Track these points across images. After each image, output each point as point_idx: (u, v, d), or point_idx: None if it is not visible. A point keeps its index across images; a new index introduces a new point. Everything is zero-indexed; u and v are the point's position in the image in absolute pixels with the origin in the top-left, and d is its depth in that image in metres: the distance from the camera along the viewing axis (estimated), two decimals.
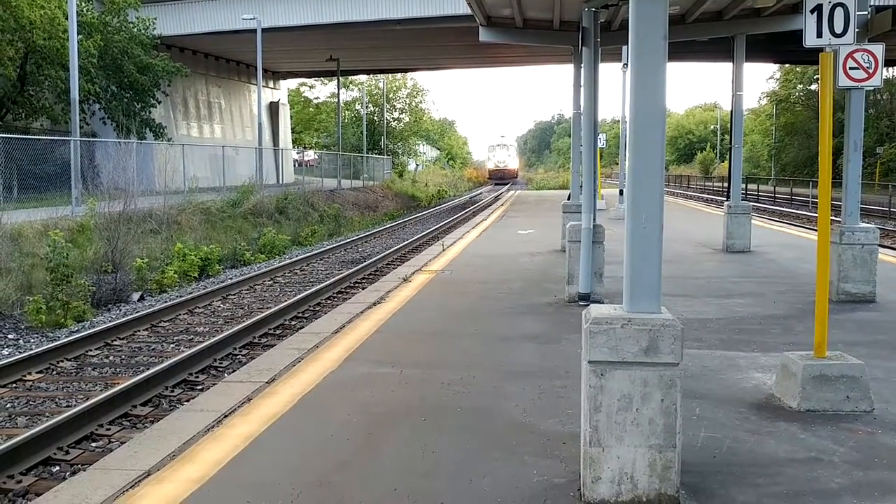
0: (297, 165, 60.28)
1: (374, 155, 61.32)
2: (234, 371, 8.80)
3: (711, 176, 77.09)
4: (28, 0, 25.73)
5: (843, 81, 7.36)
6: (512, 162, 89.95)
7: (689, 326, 8.16)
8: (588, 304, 5.95)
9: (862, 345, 7.59)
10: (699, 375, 6.66)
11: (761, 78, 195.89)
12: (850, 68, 7.30)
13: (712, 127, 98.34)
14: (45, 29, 26.43)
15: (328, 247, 23.78)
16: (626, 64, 20.56)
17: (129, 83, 32.02)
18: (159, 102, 34.84)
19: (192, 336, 11.84)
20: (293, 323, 12.50)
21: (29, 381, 9.45)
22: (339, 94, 52.89)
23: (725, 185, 32.10)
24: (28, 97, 29.44)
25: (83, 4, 30.18)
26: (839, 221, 10.06)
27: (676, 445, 4.14)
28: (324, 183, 40.56)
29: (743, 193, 17.61)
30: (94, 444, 7.32)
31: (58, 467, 6.78)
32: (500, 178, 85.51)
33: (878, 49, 7.39)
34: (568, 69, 16.27)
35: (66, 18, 23.93)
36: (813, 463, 4.79)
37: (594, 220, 10.13)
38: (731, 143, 16.27)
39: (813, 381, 5.71)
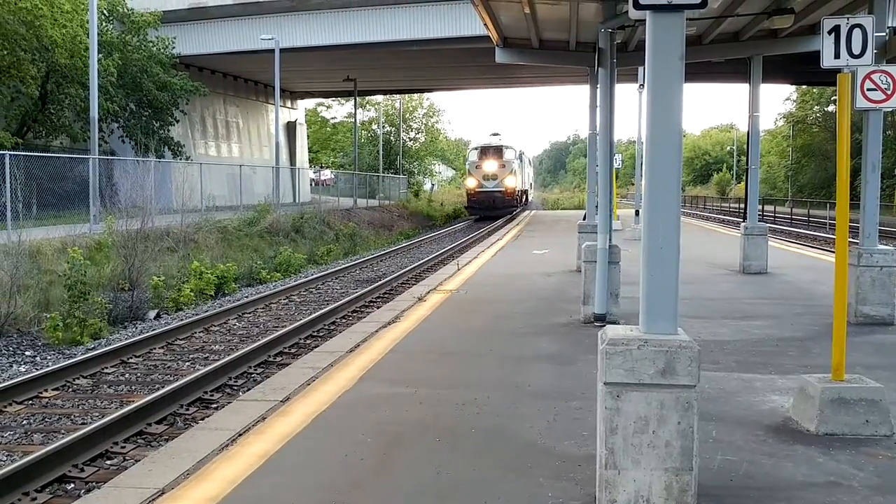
0: (313, 184, 60.62)
1: (389, 174, 61.58)
2: (249, 390, 8.81)
3: (728, 197, 76.99)
4: (51, 20, 26.08)
5: (861, 103, 7.33)
6: (510, 178, 47.99)
7: (705, 348, 8.10)
8: (604, 325, 5.93)
9: (881, 368, 7.51)
10: (716, 398, 6.60)
11: (778, 99, 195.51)
12: (868, 90, 7.28)
13: (729, 148, 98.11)
14: (66, 48, 26.76)
15: (344, 265, 23.80)
16: (643, 84, 20.60)
17: (148, 101, 32.37)
18: (178, 121, 35.16)
19: (207, 354, 11.86)
20: (308, 342, 12.50)
21: (45, 398, 9.48)
22: (355, 113, 53.15)
23: (742, 206, 32.01)
24: (48, 116, 29.79)
25: (104, 24, 30.55)
26: (857, 243, 10.00)
27: (693, 468, 4.11)
28: (340, 202, 40.80)
29: (759, 215, 17.53)
30: (108, 462, 7.32)
31: (72, 485, 6.79)
32: (488, 206, 47.01)
33: None
34: (584, 89, 16.39)
35: (88, 37, 24.22)
36: (832, 487, 4.74)
37: (610, 240, 10.11)
38: (747, 165, 16.21)
39: (831, 404, 5.65)
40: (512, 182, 47.69)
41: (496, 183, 46.75)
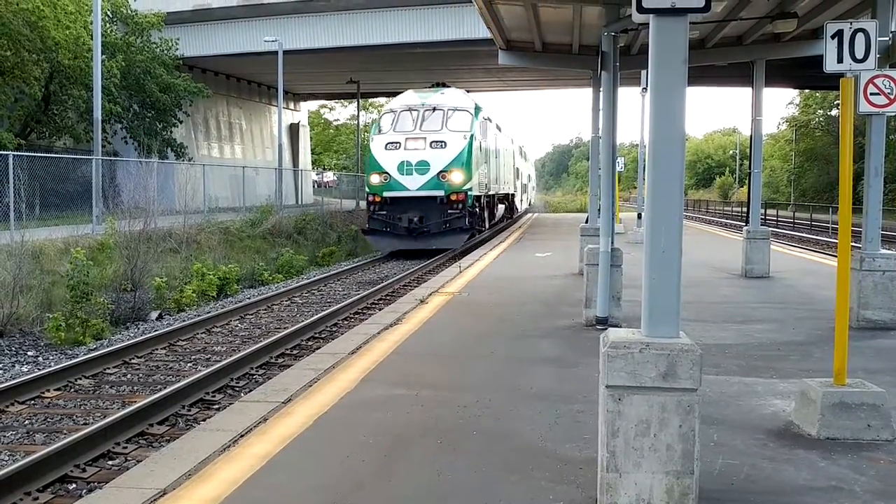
0: (316, 186, 60.61)
1: None
2: (250, 391, 8.82)
3: (730, 201, 76.86)
4: (54, 21, 26.13)
5: (864, 107, 7.33)
6: (457, 172, 24.23)
7: (707, 352, 8.09)
8: (606, 328, 5.92)
9: (883, 372, 7.50)
10: (717, 401, 6.60)
11: (781, 103, 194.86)
12: (871, 94, 7.28)
13: (731, 152, 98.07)
14: (70, 49, 26.82)
15: (346, 267, 23.82)
16: (645, 88, 20.52)
17: (151, 103, 32.42)
18: (181, 122, 35.21)
19: (209, 355, 11.87)
20: (310, 343, 12.50)
21: (47, 398, 9.49)
22: (358, 115, 53.18)
23: (744, 209, 31.94)
24: (52, 116, 29.85)
25: (107, 25, 30.61)
26: (859, 248, 10.00)
27: (694, 472, 4.11)
28: (342, 204, 40.76)
29: (762, 218, 17.52)
30: (110, 462, 7.33)
31: (74, 485, 6.79)
32: (409, 228, 24.26)
33: None
34: (586, 93, 16.24)
35: (91, 38, 24.29)
36: (833, 492, 4.73)
37: (612, 243, 10.11)
38: (750, 168, 16.21)
39: (832, 408, 5.65)
40: (460, 177, 24.14)
41: (427, 180, 24.08)
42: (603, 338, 4.32)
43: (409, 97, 27.14)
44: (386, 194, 24.38)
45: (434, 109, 25.54)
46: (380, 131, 26.02)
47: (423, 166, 24.10)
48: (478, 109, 26.99)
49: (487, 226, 30.23)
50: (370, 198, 25.03)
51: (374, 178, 24.70)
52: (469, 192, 24.56)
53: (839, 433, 5.62)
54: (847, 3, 11.37)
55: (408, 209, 24.21)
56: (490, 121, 30.19)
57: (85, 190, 22.14)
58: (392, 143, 24.82)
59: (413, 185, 24.10)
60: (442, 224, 24.19)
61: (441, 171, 24.06)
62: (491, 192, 29.95)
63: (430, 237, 24.25)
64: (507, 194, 37.92)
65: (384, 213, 24.54)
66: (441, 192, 24.09)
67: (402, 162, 24.17)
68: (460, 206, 24.19)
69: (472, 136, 25.10)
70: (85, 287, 13.80)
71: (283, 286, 19.86)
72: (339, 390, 7.00)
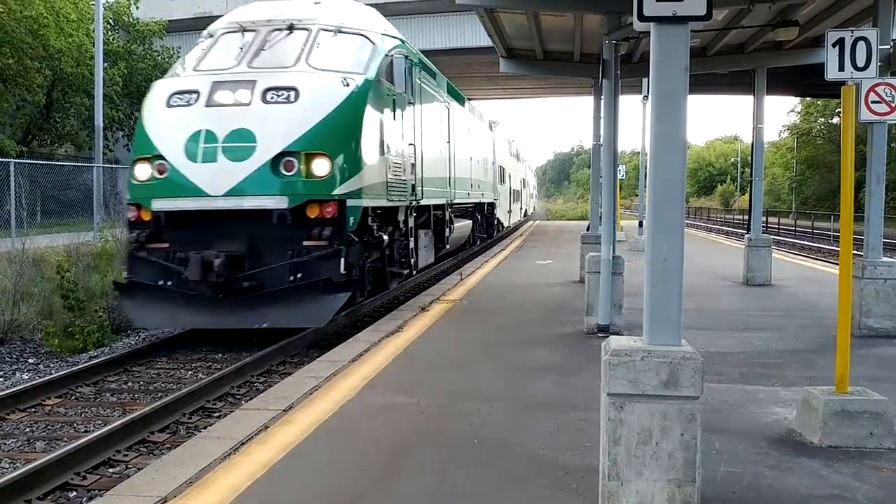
0: None
1: None
2: (251, 398, 8.80)
3: (732, 208, 76.94)
4: (56, 29, 26.21)
5: (866, 115, 7.36)
6: (323, 157, 10.31)
7: (708, 360, 8.08)
8: (607, 336, 5.91)
9: (885, 380, 7.48)
10: (719, 409, 6.59)
11: (782, 111, 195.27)
12: (873, 102, 7.31)
13: (733, 160, 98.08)
14: (72, 56, 26.90)
15: None
16: (647, 96, 20.52)
17: None
18: None
19: (210, 363, 11.85)
20: (311, 351, 12.47)
21: (48, 406, 9.47)
22: None
23: (746, 217, 31.89)
24: (54, 124, 29.95)
25: (109, 33, 30.70)
26: (861, 255, 9.99)
27: (696, 480, 4.10)
28: None
29: (763, 226, 17.50)
30: (111, 470, 7.30)
31: (74, 493, 6.77)
32: (206, 280, 10.33)
33: None
34: (587, 100, 16.29)
35: (93, 46, 24.38)
36: (835, 500, 4.72)
37: (614, 251, 10.11)
38: (751, 176, 16.23)
39: (834, 416, 5.63)
40: (327, 167, 10.53)
41: (249, 172, 10.36)
42: (604, 345, 4.31)
43: (253, 9, 13.56)
44: (158, 205, 11.13)
45: (291, 29, 12.14)
46: (172, 73, 13.27)
47: (240, 141, 10.60)
48: (398, 44, 13.60)
49: (432, 259, 17.53)
50: (131, 215, 11.62)
51: (140, 171, 11.32)
52: (351, 201, 11.09)
53: (841, 441, 5.61)
54: (848, 11, 11.41)
55: (208, 238, 10.99)
56: (433, 76, 17.15)
57: (86, 197, 22.18)
58: (183, 93, 11.24)
59: (218, 184, 10.69)
60: (286, 270, 10.90)
61: (284, 154, 10.64)
62: (436, 202, 17.22)
63: (259, 302, 11.05)
64: (479, 203, 24.83)
65: (152, 247, 11.35)
66: (283, 202, 10.67)
67: (196, 133, 10.74)
68: (330, 229, 10.80)
69: (368, 82, 11.72)
70: (75, 295, 13.75)
71: None
72: (340, 398, 6.99)
